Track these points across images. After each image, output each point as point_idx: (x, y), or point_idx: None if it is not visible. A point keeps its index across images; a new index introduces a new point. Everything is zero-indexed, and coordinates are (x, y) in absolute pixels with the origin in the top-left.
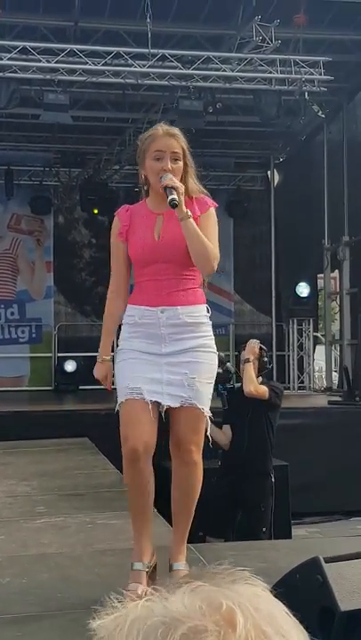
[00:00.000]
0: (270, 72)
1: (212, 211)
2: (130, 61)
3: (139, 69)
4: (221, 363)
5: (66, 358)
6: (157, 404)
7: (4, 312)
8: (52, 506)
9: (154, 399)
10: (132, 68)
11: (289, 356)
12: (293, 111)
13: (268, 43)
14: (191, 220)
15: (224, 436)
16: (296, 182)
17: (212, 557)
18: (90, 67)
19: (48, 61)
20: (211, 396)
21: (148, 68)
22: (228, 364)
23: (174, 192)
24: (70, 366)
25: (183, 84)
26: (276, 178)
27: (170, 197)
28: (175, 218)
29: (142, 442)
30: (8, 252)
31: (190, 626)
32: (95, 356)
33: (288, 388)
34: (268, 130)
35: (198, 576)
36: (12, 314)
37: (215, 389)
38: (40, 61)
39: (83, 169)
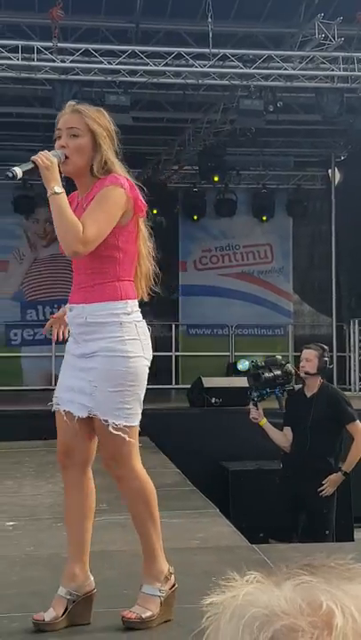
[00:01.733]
0: (332, 70)
1: (108, 189)
2: (190, 61)
3: (199, 69)
4: (280, 365)
5: None
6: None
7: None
8: (114, 504)
9: (68, 409)
10: (193, 68)
11: (350, 357)
12: (356, 109)
13: (330, 40)
14: (56, 197)
15: (285, 437)
16: (357, 181)
17: (277, 558)
18: (151, 67)
19: (109, 63)
20: (125, 405)
21: (208, 67)
22: (287, 365)
23: (29, 164)
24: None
25: (244, 83)
26: (337, 176)
27: (11, 168)
28: (80, 206)
29: (61, 451)
30: None
31: (285, 623)
32: (153, 356)
33: (348, 390)
34: (330, 128)
35: (315, 568)
36: None
37: (273, 393)
38: (102, 63)
39: (142, 169)
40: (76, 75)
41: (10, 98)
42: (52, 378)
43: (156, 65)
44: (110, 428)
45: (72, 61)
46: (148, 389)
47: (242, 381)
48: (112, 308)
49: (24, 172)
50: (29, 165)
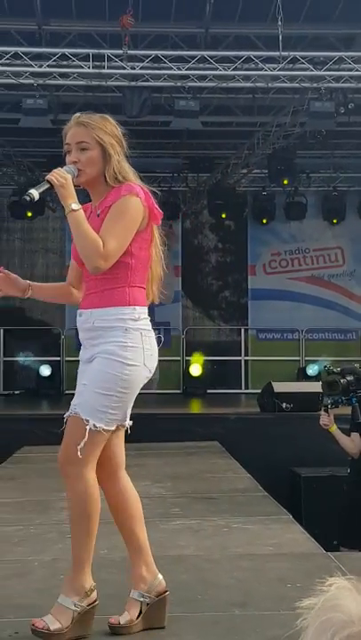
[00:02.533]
0: None
1: (125, 199)
2: (260, 65)
3: (269, 73)
4: (355, 372)
5: (195, 362)
6: None
7: None
8: (187, 508)
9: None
10: (263, 72)
11: None
12: None
13: None
14: (74, 214)
15: (353, 443)
16: None
17: (352, 567)
18: (220, 72)
19: (179, 68)
20: (108, 410)
21: (278, 70)
22: None
23: (44, 185)
24: (196, 370)
25: (314, 85)
26: None
27: (28, 191)
28: (94, 215)
29: (59, 453)
30: None
31: (356, 631)
32: (222, 360)
33: None
34: None
35: None
36: None
37: (348, 401)
38: (171, 69)
39: (211, 174)
40: (146, 81)
41: (80, 106)
42: None
43: (225, 69)
44: (88, 429)
45: (142, 68)
46: (216, 394)
47: (313, 386)
48: (119, 313)
49: (40, 193)
50: (45, 185)
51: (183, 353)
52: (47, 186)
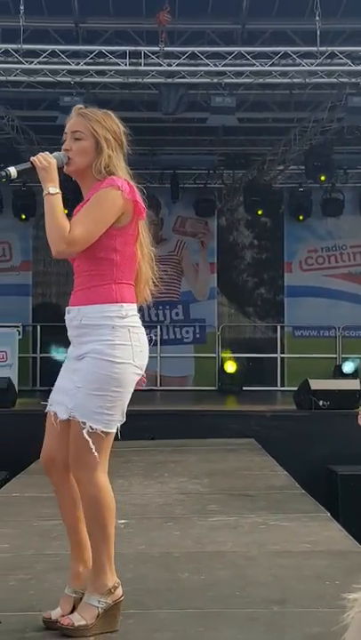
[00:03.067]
0: None
1: (103, 191)
2: (297, 60)
3: (306, 68)
4: None
5: (228, 359)
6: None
7: (169, 313)
8: (224, 505)
9: (54, 410)
10: (300, 67)
11: None
12: None
13: None
14: (50, 197)
15: None
16: None
17: None
18: (257, 68)
19: (215, 65)
20: (104, 411)
21: (316, 66)
22: None
23: (24, 165)
24: (231, 367)
25: (352, 80)
26: None
27: (6, 168)
28: (79, 206)
29: (47, 456)
30: (173, 253)
31: None
32: (258, 357)
33: None
34: None
35: None
36: (177, 314)
37: None
38: (208, 65)
39: (247, 170)
40: (182, 78)
41: (117, 103)
42: (158, 378)
43: (262, 65)
44: (85, 432)
45: (178, 65)
46: (252, 391)
47: (350, 384)
48: (106, 310)
49: (19, 172)
50: (26, 165)
51: (218, 350)
52: (29, 166)
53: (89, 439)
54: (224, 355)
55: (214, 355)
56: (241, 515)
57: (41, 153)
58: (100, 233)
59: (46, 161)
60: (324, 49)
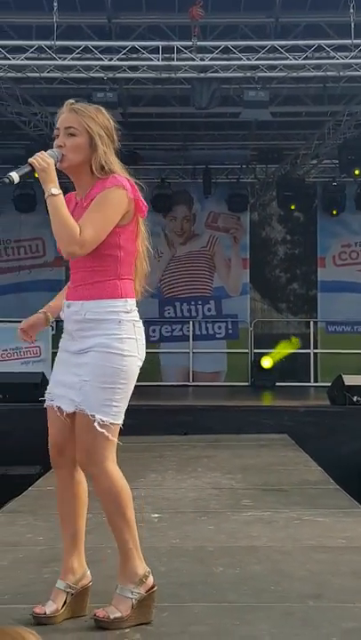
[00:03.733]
0: None
1: (109, 191)
2: (331, 53)
3: (341, 61)
4: None
5: (262, 354)
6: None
7: (202, 308)
8: (258, 500)
9: (58, 404)
10: (334, 61)
11: None
12: None
13: None
14: (53, 198)
15: None
16: None
17: None
18: (290, 62)
19: (248, 59)
20: (113, 403)
21: (350, 59)
22: None
23: (26, 167)
24: (267, 362)
25: None
26: None
27: (8, 174)
28: (79, 205)
29: (55, 449)
30: (205, 249)
31: None
32: (291, 353)
33: None
34: None
35: None
36: (210, 310)
37: None
38: (241, 59)
39: (279, 165)
40: (215, 72)
41: (150, 98)
42: (190, 374)
43: (295, 59)
44: (96, 424)
45: (211, 59)
46: (285, 386)
47: None
48: (112, 305)
49: (21, 176)
50: (26, 168)
51: (251, 345)
52: (29, 169)
53: (102, 431)
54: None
55: (247, 350)
56: (275, 510)
57: (38, 153)
58: (107, 233)
59: (44, 161)
60: (358, 41)
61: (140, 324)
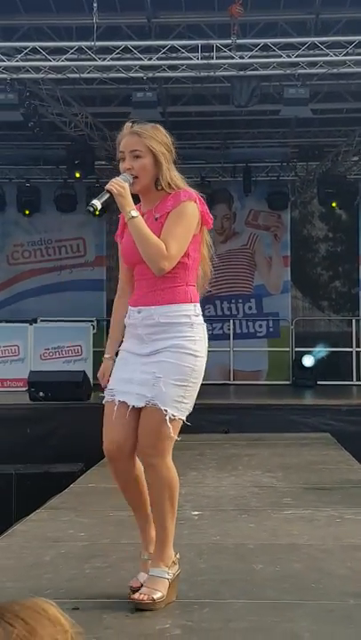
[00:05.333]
0: None
1: (186, 205)
2: None
3: None
4: None
5: (304, 353)
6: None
7: (242, 306)
8: (299, 498)
9: (123, 399)
10: None
11: None
12: None
13: None
14: (134, 220)
15: None
16: None
17: None
18: (331, 58)
19: (288, 56)
20: (184, 400)
21: None
22: None
23: (105, 195)
24: (308, 361)
25: None
26: None
27: (90, 202)
28: (151, 218)
29: (114, 442)
30: (245, 247)
31: None
32: (334, 351)
33: None
34: None
35: None
36: (250, 308)
37: None
38: (280, 57)
39: (320, 162)
40: (255, 70)
41: (189, 97)
42: (231, 372)
43: (336, 55)
44: (167, 418)
45: (251, 57)
46: (327, 385)
47: None
48: (184, 309)
49: (102, 203)
50: (105, 195)
51: (292, 344)
52: (107, 195)
53: (170, 426)
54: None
55: (288, 349)
56: (316, 508)
57: (113, 180)
58: (188, 245)
59: (121, 187)
60: None
61: (205, 326)
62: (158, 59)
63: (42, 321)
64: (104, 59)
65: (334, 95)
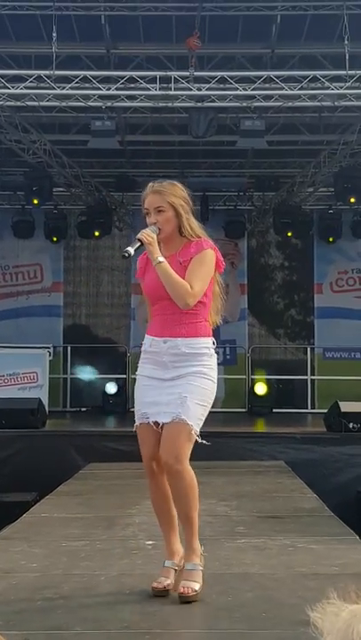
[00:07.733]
0: None
1: (206, 252)
2: (326, 84)
3: (336, 92)
4: None
5: (259, 380)
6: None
7: None
8: (252, 527)
9: (155, 419)
10: (329, 91)
11: None
12: None
13: None
14: (161, 265)
15: None
16: None
17: None
18: (286, 92)
19: (245, 89)
20: (202, 418)
21: (345, 89)
22: None
23: (136, 243)
24: (261, 389)
25: None
26: None
27: (125, 249)
28: (175, 261)
29: (152, 461)
30: None
31: None
32: (288, 379)
33: None
34: None
35: None
36: None
37: None
38: (237, 89)
39: (276, 192)
40: (212, 102)
41: (148, 126)
42: None
43: (291, 89)
44: (193, 432)
45: (208, 89)
46: (282, 413)
47: None
48: (205, 342)
49: (135, 250)
50: (137, 244)
51: (249, 371)
52: (139, 244)
53: (197, 437)
54: (257, 375)
55: (244, 376)
56: (269, 537)
57: (143, 231)
58: (208, 285)
59: (150, 237)
60: (353, 72)
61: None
62: (117, 89)
63: None
64: (63, 87)
65: (290, 127)
